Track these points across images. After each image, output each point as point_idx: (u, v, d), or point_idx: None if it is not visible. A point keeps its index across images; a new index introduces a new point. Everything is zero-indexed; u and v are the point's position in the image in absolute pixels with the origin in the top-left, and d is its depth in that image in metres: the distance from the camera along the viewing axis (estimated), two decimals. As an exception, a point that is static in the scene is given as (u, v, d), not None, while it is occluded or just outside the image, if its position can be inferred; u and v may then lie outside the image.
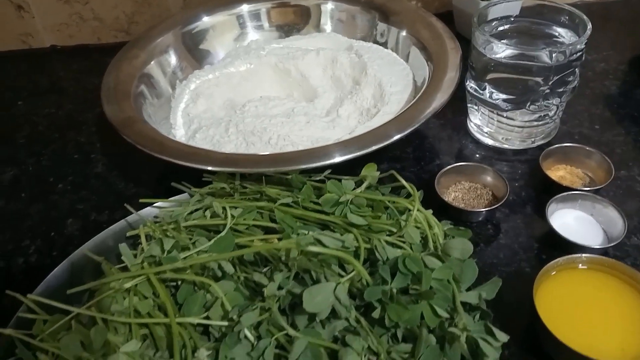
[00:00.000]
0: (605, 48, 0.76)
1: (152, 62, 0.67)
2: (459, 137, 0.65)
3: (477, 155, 0.62)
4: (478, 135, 0.64)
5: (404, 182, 0.46)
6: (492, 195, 0.55)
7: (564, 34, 0.58)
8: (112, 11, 0.85)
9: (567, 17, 0.58)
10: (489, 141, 0.63)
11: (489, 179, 0.56)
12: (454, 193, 0.56)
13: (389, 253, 0.40)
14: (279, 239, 0.43)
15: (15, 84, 0.81)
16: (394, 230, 0.43)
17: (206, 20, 0.73)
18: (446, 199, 0.54)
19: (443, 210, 0.52)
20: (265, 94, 0.68)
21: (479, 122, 0.63)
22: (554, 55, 0.54)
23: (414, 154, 0.63)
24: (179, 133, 0.63)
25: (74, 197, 0.61)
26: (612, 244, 0.48)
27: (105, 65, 0.81)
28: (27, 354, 0.40)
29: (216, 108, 0.66)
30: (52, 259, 0.54)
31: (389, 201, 0.44)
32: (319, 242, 0.38)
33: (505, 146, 0.62)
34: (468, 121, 0.65)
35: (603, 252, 0.48)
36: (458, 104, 0.65)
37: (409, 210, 0.44)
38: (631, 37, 0.78)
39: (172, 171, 0.54)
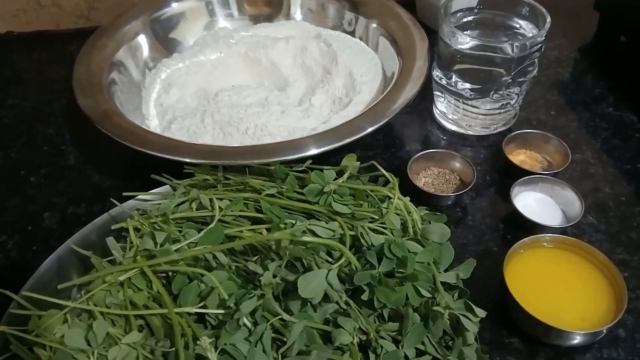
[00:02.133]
0: (557, 37, 0.80)
1: (122, 51, 0.66)
2: (425, 124, 0.68)
3: (443, 141, 0.65)
4: (443, 122, 0.67)
5: (384, 172, 0.48)
6: (459, 180, 0.59)
7: (524, 25, 0.61)
8: (72, -3, 0.83)
9: (527, 10, 0.61)
10: (453, 127, 0.66)
11: (456, 164, 0.59)
12: (424, 179, 0.59)
13: (372, 239, 0.43)
14: (267, 229, 0.45)
15: (-28, 74, 0.79)
16: (376, 217, 0.46)
17: (175, 6, 0.72)
18: (417, 185, 0.57)
19: (414, 195, 0.55)
20: (237, 83, 0.69)
21: (444, 109, 0.66)
22: (515, 47, 0.57)
23: (384, 141, 0.65)
24: (153, 124, 0.63)
25: (49, 191, 0.61)
26: (570, 224, 0.52)
27: (66, 53, 0.81)
28: (24, 350, 0.41)
29: (189, 97, 0.66)
30: (33, 253, 0.54)
31: (370, 190, 0.47)
32: (311, 232, 0.40)
33: (469, 132, 0.65)
34: (434, 108, 0.68)
35: (562, 231, 0.53)
36: (424, 91, 0.67)
37: (389, 197, 0.46)
38: (579, 27, 0.83)
39: (146, 162, 0.55)
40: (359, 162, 0.50)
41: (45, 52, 0.82)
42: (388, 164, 0.62)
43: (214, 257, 0.42)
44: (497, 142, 0.64)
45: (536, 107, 0.69)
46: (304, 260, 0.41)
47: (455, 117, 0.65)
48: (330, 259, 0.43)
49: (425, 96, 0.68)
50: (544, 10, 0.60)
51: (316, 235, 0.40)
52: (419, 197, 0.56)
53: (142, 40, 0.68)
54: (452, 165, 0.59)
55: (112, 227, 0.49)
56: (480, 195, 0.59)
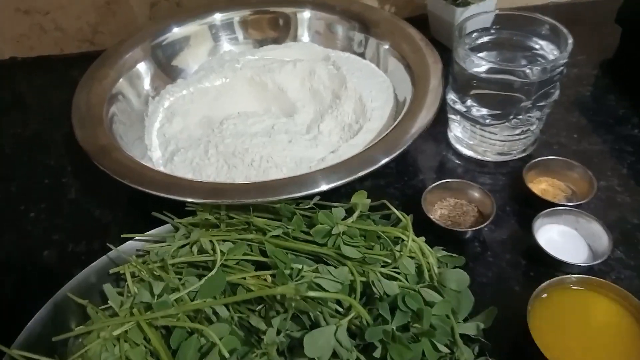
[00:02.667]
0: (577, 52, 0.76)
1: (122, 80, 0.64)
2: (440, 149, 0.65)
3: (459, 168, 0.62)
4: (459, 147, 0.64)
5: (397, 212, 0.45)
6: (477, 211, 0.55)
7: (545, 46, 0.58)
8: (75, 22, 0.81)
9: (547, 29, 0.58)
10: (470, 153, 0.63)
11: (474, 195, 0.56)
12: (440, 210, 0.56)
13: (385, 287, 0.40)
14: (272, 275, 0.42)
15: (-25, 101, 0.77)
16: (389, 261, 0.43)
17: (177, 31, 0.70)
18: (432, 217, 0.54)
19: (429, 227, 0.52)
20: (243, 110, 0.66)
21: (459, 134, 0.63)
22: (535, 70, 0.54)
23: (397, 168, 0.62)
24: (156, 155, 0.60)
25: (48, 227, 0.58)
26: (597, 262, 0.49)
27: (69, 78, 0.79)
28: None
29: (192, 126, 0.64)
30: (31, 294, 0.52)
31: (382, 231, 0.44)
32: (317, 285, 0.37)
33: (487, 159, 0.62)
34: (449, 132, 0.65)
35: (589, 268, 0.49)
36: (438, 114, 0.64)
37: (402, 240, 0.43)
38: (600, 40, 0.80)
39: (148, 196, 0.52)
40: (369, 200, 0.47)
41: (48, 77, 0.81)
42: (401, 194, 0.59)
43: (214, 311, 0.39)
44: (516, 169, 0.60)
45: (557, 129, 0.66)
46: (310, 314, 0.38)
47: (472, 142, 0.62)
48: (339, 309, 0.40)
49: (439, 119, 0.64)
50: (565, 30, 0.56)
51: (323, 289, 0.37)
52: (434, 229, 0.53)
53: (144, 68, 0.66)
54: (469, 196, 0.56)
55: (110, 272, 0.47)
56: (500, 228, 0.55)
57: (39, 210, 0.60)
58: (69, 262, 0.54)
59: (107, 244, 0.48)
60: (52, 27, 0.81)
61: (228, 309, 0.40)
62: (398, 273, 0.42)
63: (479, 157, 0.62)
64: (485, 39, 0.61)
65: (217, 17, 0.71)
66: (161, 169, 0.58)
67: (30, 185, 0.64)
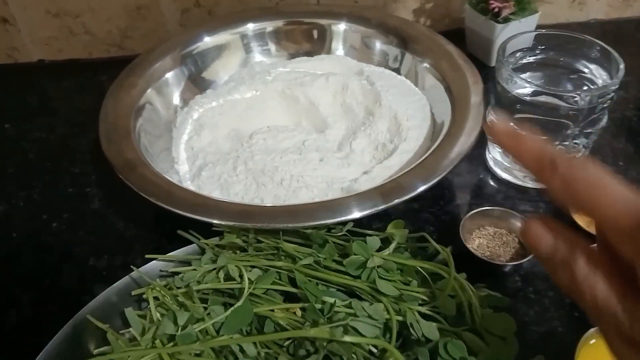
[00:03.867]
0: (624, 74, 0.73)
1: (151, 90, 0.62)
2: (478, 172, 0.62)
3: (498, 194, 0.59)
4: (498, 171, 0.61)
5: (437, 246, 0.42)
6: (518, 242, 0.52)
7: (594, 70, 0.55)
8: (104, 25, 0.80)
9: (597, 51, 0.55)
10: (509, 178, 0.60)
11: (516, 224, 0.53)
12: (478, 239, 0.53)
13: (424, 328, 0.37)
14: (302, 309, 0.40)
15: (1, 104, 0.76)
16: (427, 299, 0.40)
17: (208, 40, 0.68)
18: (470, 246, 0.51)
19: (466, 257, 0.50)
20: (273, 124, 0.64)
21: (499, 157, 0.60)
22: (584, 96, 0.50)
23: (432, 191, 0.59)
24: (183, 169, 0.59)
25: (70, 239, 0.57)
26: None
27: (97, 83, 0.77)
28: None
29: (221, 139, 0.62)
30: (49, 313, 0.50)
31: (420, 266, 0.41)
32: (353, 329, 0.34)
33: (527, 185, 0.59)
34: (487, 153, 0.62)
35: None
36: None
37: (442, 277, 0.41)
38: (647, 61, 0.76)
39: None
40: (407, 231, 0.44)
41: (75, 81, 0.79)
42: (436, 219, 0.57)
43: (241, 348, 0.36)
44: (559, 197, 0.57)
45: (602, 156, 0.62)
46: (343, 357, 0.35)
47: (512, 166, 0.59)
48: (374, 349, 0.37)
49: (478, 140, 0.62)
50: (616, 54, 0.53)
51: (359, 333, 0.35)
52: (471, 259, 0.50)
53: (173, 77, 0.64)
54: (510, 225, 0.53)
55: (132, 293, 0.45)
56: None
57: (61, 221, 0.59)
58: (89, 278, 0.53)
59: (131, 266, 0.46)
60: (82, 31, 0.80)
61: (255, 345, 0.38)
62: (437, 313, 0.39)
63: (518, 182, 0.59)
64: (530, 59, 0.58)
65: (250, 27, 0.69)
66: (188, 183, 0.56)
67: (53, 193, 0.62)
